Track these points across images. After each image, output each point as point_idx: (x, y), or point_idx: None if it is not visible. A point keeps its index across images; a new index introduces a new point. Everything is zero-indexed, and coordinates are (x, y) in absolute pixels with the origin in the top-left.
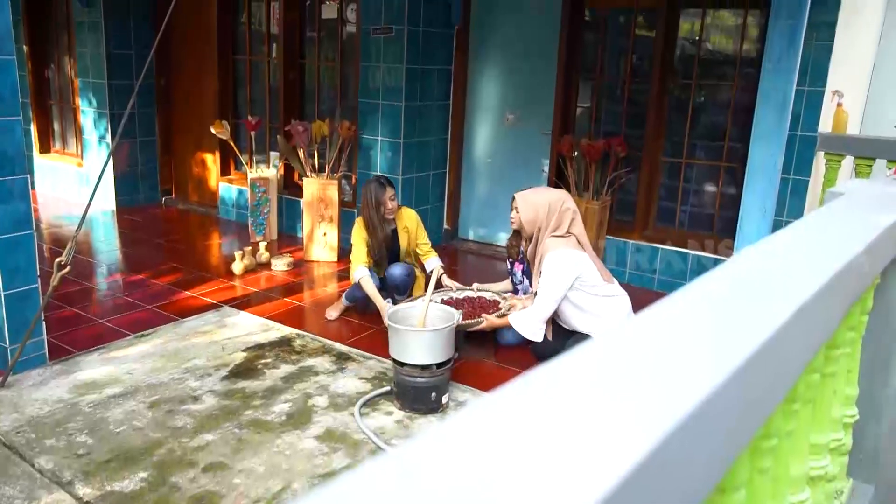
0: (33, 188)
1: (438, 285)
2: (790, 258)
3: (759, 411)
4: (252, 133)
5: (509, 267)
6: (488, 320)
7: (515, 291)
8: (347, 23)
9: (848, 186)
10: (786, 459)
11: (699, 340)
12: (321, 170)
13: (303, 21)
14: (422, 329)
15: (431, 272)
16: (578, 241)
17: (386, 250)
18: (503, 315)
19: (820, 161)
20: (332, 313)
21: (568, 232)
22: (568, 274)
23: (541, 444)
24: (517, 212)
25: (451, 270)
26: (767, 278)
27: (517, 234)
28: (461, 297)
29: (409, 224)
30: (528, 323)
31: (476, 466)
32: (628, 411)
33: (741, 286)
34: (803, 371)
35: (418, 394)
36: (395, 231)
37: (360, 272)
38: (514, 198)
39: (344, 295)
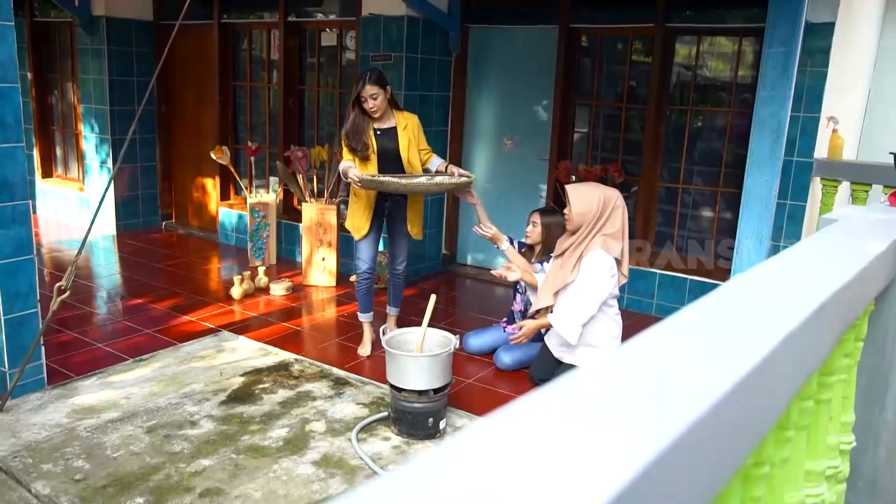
0: (35, 212)
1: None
2: (780, 285)
3: (747, 439)
4: (252, 158)
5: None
6: (527, 326)
7: (514, 292)
8: (347, 50)
9: (842, 213)
10: (780, 487)
11: (684, 369)
12: (320, 195)
13: (303, 48)
14: (418, 354)
15: (427, 306)
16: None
17: (380, 149)
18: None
19: (816, 187)
20: (365, 349)
21: (617, 233)
22: (612, 277)
23: (521, 471)
24: (569, 208)
25: (450, 296)
26: (756, 306)
27: (530, 248)
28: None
29: (411, 123)
30: (570, 324)
31: (461, 491)
32: (610, 439)
33: (729, 313)
34: (795, 398)
35: (416, 419)
36: (394, 130)
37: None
38: (531, 213)
39: (358, 313)
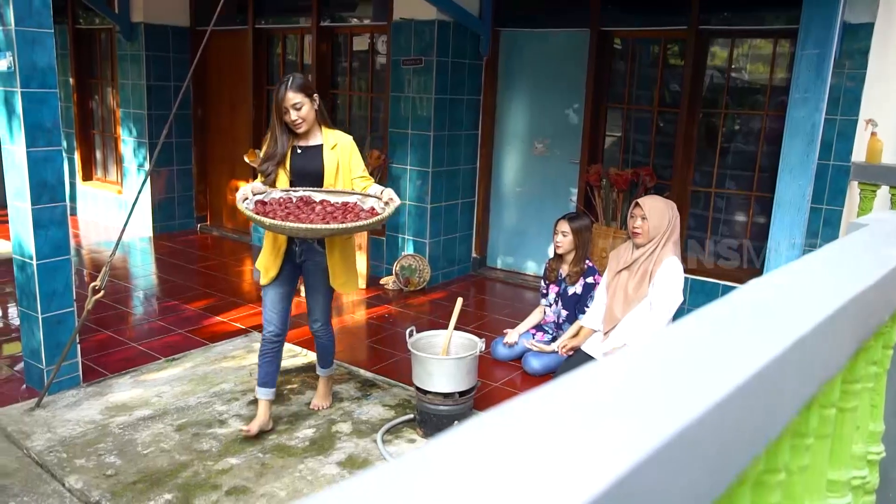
0: (75, 214)
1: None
2: (796, 290)
3: (748, 444)
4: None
5: (543, 288)
6: (567, 342)
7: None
8: (378, 54)
9: (872, 217)
10: (800, 495)
11: (685, 371)
12: None
13: (335, 52)
14: (444, 357)
15: (453, 310)
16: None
17: (296, 170)
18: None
19: (854, 191)
20: (252, 427)
21: (677, 240)
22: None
23: (505, 469)
24: (642, 220)
25: (479, 299)
26: (768, 310)
27: (559, 258)
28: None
29: (343, 143)
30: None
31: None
32: (601, 437)
33: (740, 317)
34: (814, 405)
35: (441, 422)
36: (318, 149)
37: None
38: (556, 222)
39: (256, 386)
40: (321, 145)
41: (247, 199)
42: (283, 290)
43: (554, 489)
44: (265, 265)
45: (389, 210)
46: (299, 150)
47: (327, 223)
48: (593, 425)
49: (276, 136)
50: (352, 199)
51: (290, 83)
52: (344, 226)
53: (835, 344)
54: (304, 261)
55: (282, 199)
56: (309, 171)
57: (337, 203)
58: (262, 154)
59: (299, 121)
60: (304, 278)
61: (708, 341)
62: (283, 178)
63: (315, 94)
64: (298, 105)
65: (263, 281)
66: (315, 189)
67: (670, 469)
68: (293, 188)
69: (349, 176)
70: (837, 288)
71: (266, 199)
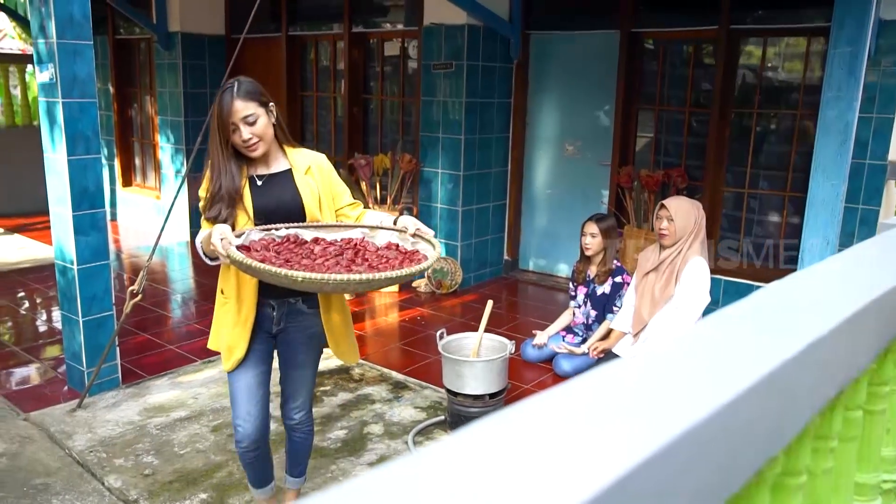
0: (115, 220)
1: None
2: (816, 291)
3: (762, 446)
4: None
5: (572, 290)
6: (597, 344)
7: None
8: (409, 59)
9: None
10: (825, 498)
11: (697, 371)
12: (383, 201)
13: (367, 58)
14: (474, 359)
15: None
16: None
17: (260, 209)
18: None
19: (891, 190)
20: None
21: (704, 240)
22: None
23: (514, 464)
24: (668, 221)
25: (511, 301)
26: (787, 311)
27: (587, 259)
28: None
29: (317, 164)
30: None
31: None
32: (608, 435)
33: (758, 319)
34: (838, 407)
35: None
36: (287, 175)
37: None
38: (584, 224)
39: (250, 485)
40: (289, 170)
41: (224, 238)
42: (256, 373)
43: (560, 484)
44: (228, 343)
45: (438, 250)
46: (259, 182)
47: (374, 271)
48: (602, 423)
49: (221, 167)
50: (354, 233)
51: (235, 90)
52: (397, 273)
53: (856, 345)
54: (284, 328)
55: (268, 242)
56: (281, 207)
57: (345, 240)
58: (203, 193)
59: (254, 140)
60: (280, 352)
61: (722, 342)
62: (242, 221)
63: (271, 104)
64: (251, 118)
65: (227, 366)
66: (300, 225)
67: (678, 467)
68: (273, 226)
69: (333, 207)
70: (860, 289)
71: (246, 243)
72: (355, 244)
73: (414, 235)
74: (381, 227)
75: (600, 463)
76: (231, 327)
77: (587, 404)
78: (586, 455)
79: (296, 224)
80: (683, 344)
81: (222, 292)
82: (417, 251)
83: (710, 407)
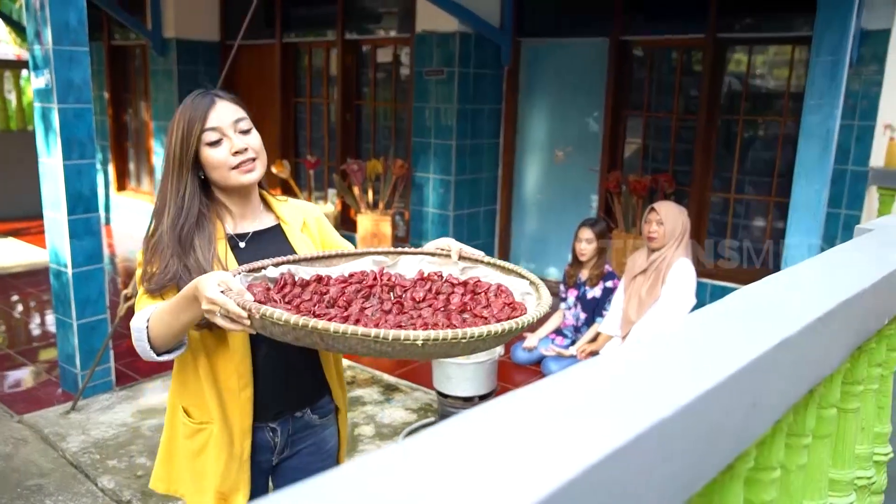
0: (109, 223)
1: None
2: (789, 293)
3: (731, 441)
4: (311, 171)
5: (563, 292)
6: (585, 347)
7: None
8: (402, 65)
9: (877, 223)
10: (799, 493)
11: (667, 370)
12: (375, 206)
13: (360, 64)
14: (464, 361)
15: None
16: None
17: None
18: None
19: (873, 196)
20: None
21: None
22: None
23: (482, 459)
24: (658, 225)
25: None
26: (759, 312)
27: (579, 263)
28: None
29: (312, 217)
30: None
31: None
32: (575, 430)
33: (730, 319)
34: (808, 405)
35: None
36: (276, 231)
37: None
38: (578, 229)
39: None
40: (277, 226)
41: (228, 290)
42: None
43: (527, 476)
44: (217, 487)
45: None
46: (242, 243)
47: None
48: (571, 419)
49: (184, 204)
50: (364, 263)
51: (215, 93)
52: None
53: (827, 345)
54: (289, 455)
55: (265, 289)
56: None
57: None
58: (148, 259)
59: (250, 154)
60: (279, 487)
61: (694, 342)
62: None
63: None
64: (245, 124)
65: None
66: (292, 259)
67: (645, 461)
68: (256, 263)
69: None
70: (831, 291)
71: (253, 284)
72: (419, 280)
73: (462, 258)
74: (406, 252)
75: (567, 455)
76: (217, 464)
77: (559, 400)
78: (554, 447)
79: (285, 259)
80: (658, 342)
81: (187, 413)
82: (478, 280)
83: (678, 403)
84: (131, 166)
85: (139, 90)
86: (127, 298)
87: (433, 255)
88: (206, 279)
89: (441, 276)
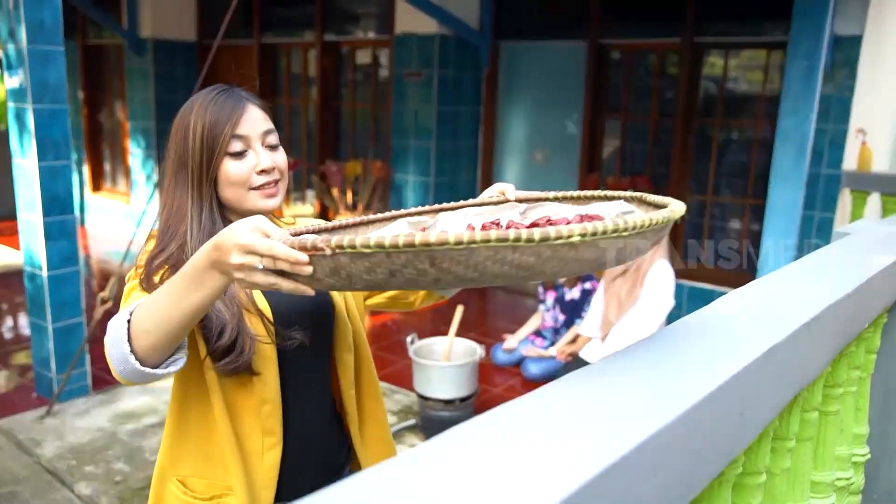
0: (84, 225)
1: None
2: (774, 300)
3: (723, 449)
4: (290, 173)
5: (541, 294)
6: (564, 348)
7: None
8: (381, 67)
9: (855, 226)
10: (782, 497)
11: (657, 381)
12: (354, 207)
13: (339, 66)
14: (445, 363)
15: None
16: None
17: (286, 308)
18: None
19: (846, 198)
20: None
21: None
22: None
23: (482, 472)
24: None
25: (480, 308)
26: (745, 320)
27: None
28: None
29: None
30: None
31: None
32: (570, 445)
33: (717, 327)
34: (795, 409)
35: (443, 427)
36: None
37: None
38: None
39: None
40: None
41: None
42: None
43: (526, 492)
44: None
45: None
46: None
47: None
48: (565, 433)
49: (198, 219)
50: (397, 226)
51: (244, 95)
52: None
53: (812, 351)
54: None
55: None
56: (305, 308)
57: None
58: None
59: (275, 176)
60: None
61: (683, 351)
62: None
63: None
64: (274, 138)
65: None
66: (329, 225)
67: (640, 473)
68: (300, 227)
69: (363, 299)
70: (815, 297)
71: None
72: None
73: (521, 201)
74: (446, 208)
75: (564, 471)
76: None
77: (550, 415)
78: (550, 464)
79: (308, 228)
80: (648, 352)
81: (185, 486)
82: (550, 218)
83: (672, 414)
84: (107, 167)
85: (115, 90)
86: (104, 301)
87: (479, 205)
88: (234, 227)
89: (499, 224)
